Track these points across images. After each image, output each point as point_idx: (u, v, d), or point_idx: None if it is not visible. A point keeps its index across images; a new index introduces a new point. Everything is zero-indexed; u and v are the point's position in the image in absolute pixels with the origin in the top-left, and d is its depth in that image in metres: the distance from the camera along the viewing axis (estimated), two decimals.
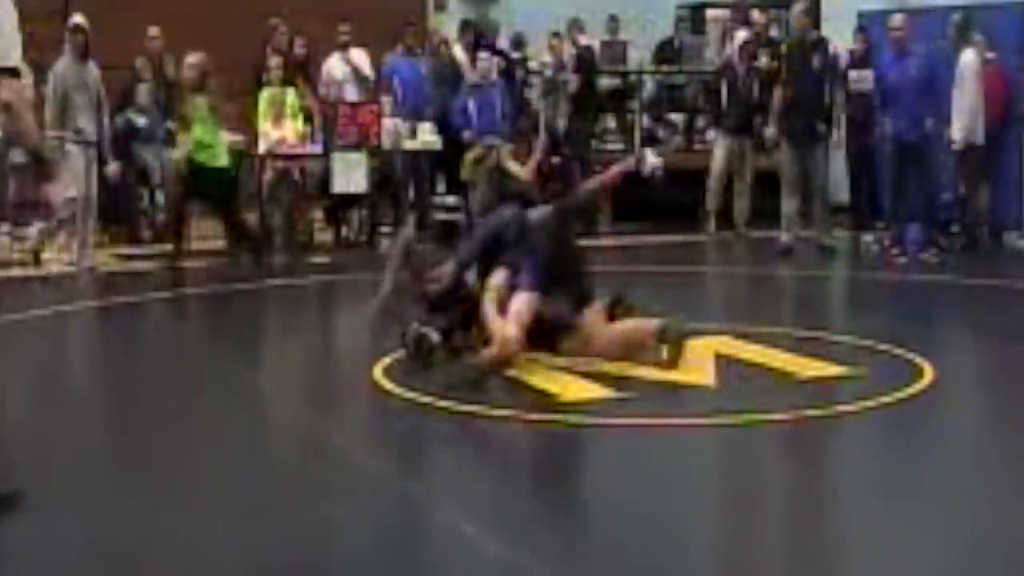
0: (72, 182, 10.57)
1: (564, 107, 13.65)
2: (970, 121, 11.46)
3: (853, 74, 12.56)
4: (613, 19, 15.08)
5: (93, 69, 10.98)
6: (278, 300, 10.03)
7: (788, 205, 11.84)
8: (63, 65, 10.87)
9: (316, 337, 8.92)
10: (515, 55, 14.27)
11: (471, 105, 13.04)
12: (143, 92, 12.74)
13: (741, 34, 13.54)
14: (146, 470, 5.40)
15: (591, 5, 14.47)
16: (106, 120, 11.17)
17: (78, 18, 10.98)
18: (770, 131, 12.11)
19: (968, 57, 11.68)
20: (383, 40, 13.45)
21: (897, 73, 11.53)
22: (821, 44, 11.88)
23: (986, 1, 12.71)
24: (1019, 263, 11.83)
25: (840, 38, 13.62)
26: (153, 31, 13.06)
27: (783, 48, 12.30)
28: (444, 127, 13.23)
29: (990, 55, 12.10)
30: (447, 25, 15.39)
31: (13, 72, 4.79)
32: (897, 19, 11.65)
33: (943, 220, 12.19)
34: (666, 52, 15.41)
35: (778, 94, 11.93)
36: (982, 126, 11.50)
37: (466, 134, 12.95)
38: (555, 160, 13.24)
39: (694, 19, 15.90)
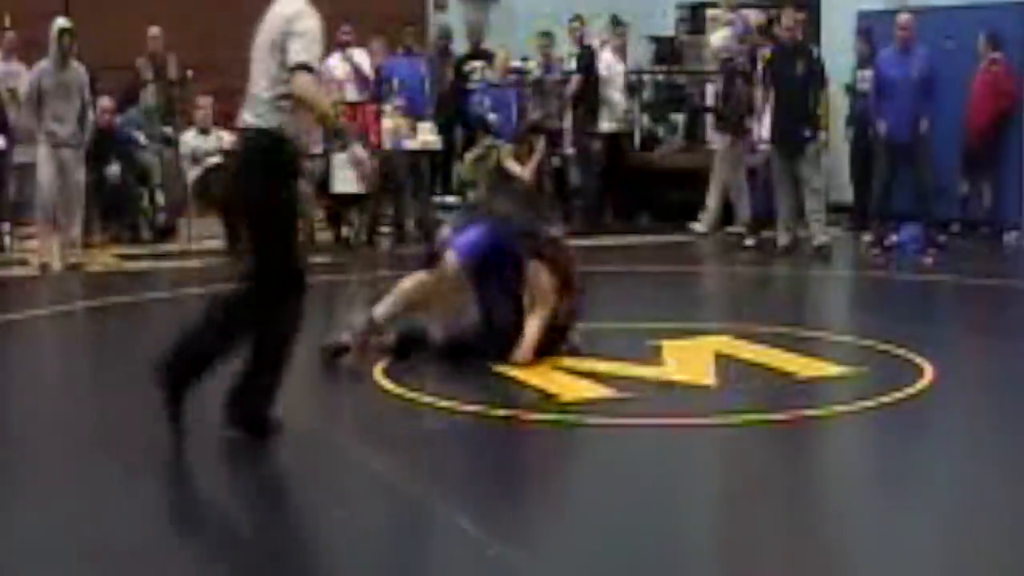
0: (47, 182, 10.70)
1: (555, 106, 13.59)
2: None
3: (860, 74, 12.55)
4: (614, 18, 15.06)
5: (78, 71, 10.95)
6: None
7: (782, 206, 11.84)
8: (43, 67, 10.87)
9: (316, 337, 8.90)
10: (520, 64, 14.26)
11: (487, 103, 13.09)
12: (149, 93, 12.72)
13: (720, 33, 13.46)
14: (145, 470, 5.40)
15: (591, 5, 14.45)
16: (91, 118, 11.12)
17: (64, 21, 10.92)
18: (756, 134, 12.15)
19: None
20: (383, 40, 13.45)
21: (897, 72, 11.54)
22: (805, 49, 11.87)
23: (990, 1, 12.71)
24: (1019, 263, 11.83)
25: (840, 38, 13.65)
26: (153, 31, 13.05)
27: (767, 53, 12.29)
28: (444, 127, 13.26)
29: (996, 55, 12.11)
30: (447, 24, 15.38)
31: (308, 68, 5.40)
32: (904, 18, 11.68)
33: (942, 219, 12.20)
34: (666, 52, 15.39)
35: (760, 98, 11.95)
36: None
37: (492, 116, 12.96)
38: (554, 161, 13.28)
39: (694, 19, 15.90)
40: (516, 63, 14.17)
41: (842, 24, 13.73)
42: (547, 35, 13.78)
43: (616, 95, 13.84)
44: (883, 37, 12.40)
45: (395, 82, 13.11)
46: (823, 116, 11.78)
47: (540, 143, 13.01)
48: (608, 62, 13.80)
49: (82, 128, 10.92)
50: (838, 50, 13.35)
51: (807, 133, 11.51)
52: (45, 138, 10.75)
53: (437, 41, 14.54)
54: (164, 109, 12.92)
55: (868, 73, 12.31)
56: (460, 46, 14.69)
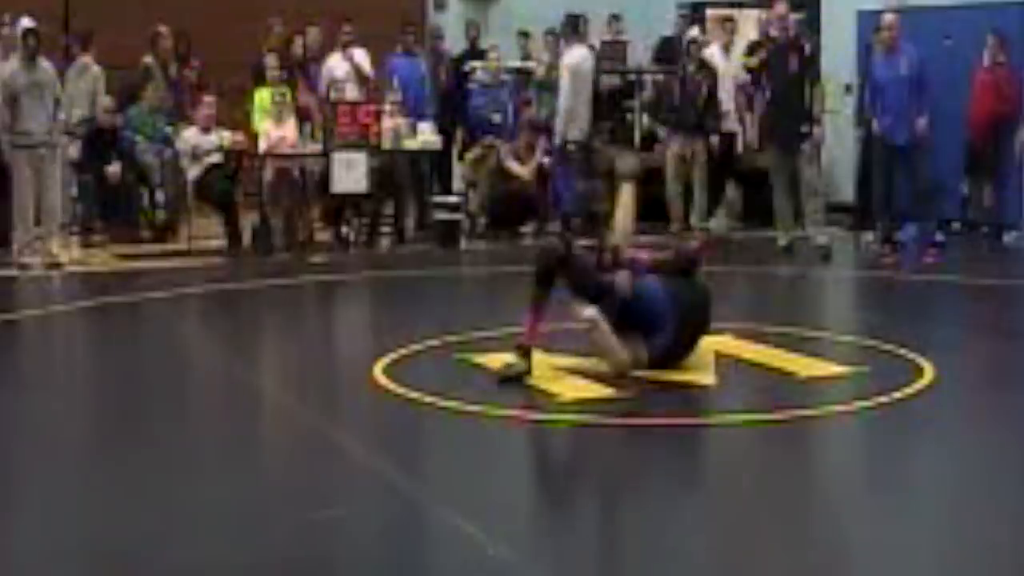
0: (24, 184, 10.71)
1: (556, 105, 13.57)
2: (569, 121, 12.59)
3: None
4: (614, 18, 15.06)
5: (47, 69, 11.00)
6: (277, 300, 10.02)
7: (781, 206, 11.83)
8: (12, 68, 10.90)
9: (316, 337, 8.92)
10: (521, 63, 14.24)
11: (483, 104, 13.13)
12: (153, 92, 12.71)
13: (693, 32, 13.41)
14: (146, 470, 5.40)
15: (591, 5, 14.44)
16: (62, 116, 11.15)
17: (28, 21, 10.97)
18: (750, 133, 12.15)
19: (571, 57, 12.73)
20: (383, 40, 13.44)
21: (886, 72, 11.50)
22: (797, 44, 11.82)
23: (993, 0, 12.69)
24: (1019, 263, 11.82)
25: (839, 38, 13.65)
26: (163, 30, 13.02)
27: (759, 52, 12.27)
28: (446, 127, 13.27)
29: (1001, 57, 12.10)
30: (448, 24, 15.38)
31: None
32: (888, 18, 11.61)
33: (943, 219, 12.19)
34: (666, 52, 15.37)
35: (760, 97, 11.94)
36: (587, 125, 12.37)
37: (496, 116, 12.95)
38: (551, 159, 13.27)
39: (694, 19, 15.88)
40: (516, 63, 14.18)
41: (842, 24, 13.72)
42: (552, 34, 13.81)
43: (721, 95, 12.96)
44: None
45: (395, 82, 13.13)
46: (819, 108, 11.73)
47: (541, 142, 13.00)
48: (713, 61, 13.21)
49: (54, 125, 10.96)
50: (838, 50, 13.34)
51: (804, 129, 11.50)
52: (19, 138, 10.79)
53: (429, 40, 14.54)
54: (166, 108, 12.90)
55: None
56: (458, 46, 14.68)
